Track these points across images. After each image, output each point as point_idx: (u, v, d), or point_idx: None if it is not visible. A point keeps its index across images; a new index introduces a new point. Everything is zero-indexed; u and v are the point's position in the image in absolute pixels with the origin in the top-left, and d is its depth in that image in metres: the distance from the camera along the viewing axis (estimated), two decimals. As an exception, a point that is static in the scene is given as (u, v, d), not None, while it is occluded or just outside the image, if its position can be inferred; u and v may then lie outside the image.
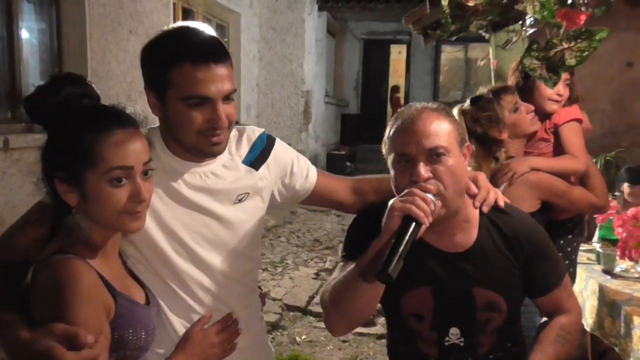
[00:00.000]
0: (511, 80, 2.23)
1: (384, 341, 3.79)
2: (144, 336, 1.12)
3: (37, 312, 1.01)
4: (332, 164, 10.76)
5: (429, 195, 1.17)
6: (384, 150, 1.30)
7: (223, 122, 1.19)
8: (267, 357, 1.49)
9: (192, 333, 1.26)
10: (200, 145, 1.21)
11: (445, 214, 1.23)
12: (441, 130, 1.23)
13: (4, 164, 3.02)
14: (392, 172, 1.28)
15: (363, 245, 1.22)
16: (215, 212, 1.28)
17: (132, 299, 1.15)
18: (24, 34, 3.57)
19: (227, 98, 1.19)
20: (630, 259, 2.24)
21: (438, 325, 1.33)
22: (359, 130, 12.48)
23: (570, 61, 1.66)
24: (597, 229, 2.74)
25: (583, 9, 1.71)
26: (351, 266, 1.23)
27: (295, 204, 1.47)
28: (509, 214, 1.35)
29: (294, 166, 1.41)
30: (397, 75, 13.83)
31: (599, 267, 2.49)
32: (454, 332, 1.32)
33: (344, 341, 3.78)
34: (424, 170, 1.20)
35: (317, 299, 4.45)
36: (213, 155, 1.26)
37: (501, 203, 1.36)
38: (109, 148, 1.04)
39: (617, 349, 2.23)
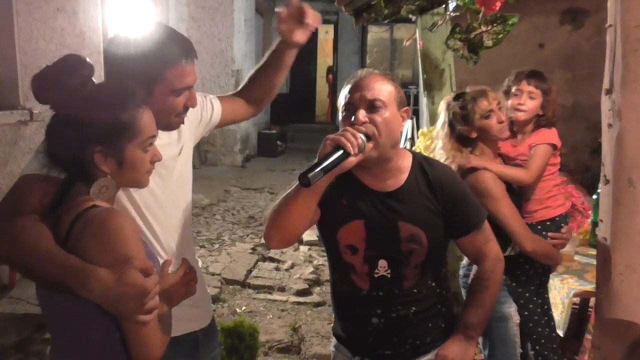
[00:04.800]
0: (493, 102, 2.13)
1: (320, 308, 4.00)
2: (158, 267, 1.29)
3: (96, 257, 1.12)
4: (263, 143, 10.76)
5: (360, 135, 1.40)
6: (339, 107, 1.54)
7: (196, 103, 1.45)
8: (205, 298, 1.69)
9: (164, 282, 1.36)
10: (172, 123, 1.45)
11: (376, 157, 1.45)
12: (383, 88, 1.47)
13: None
14: (340, 120, 1.52)
15: None
16: (164, 163, 1.45)
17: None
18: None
19: None
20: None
21: (369, 258, 1.53)
22: (289, 109, 12.57)
23: (488, 42, 1.89)
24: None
25: (499, -4, 1.93)
26: None
27: (211, 130, 1.73)
28: (436, 167, 1.59)
29: (202, 105, 1.66)
30: (325, 55, 13.98)
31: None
32: (382, 264, 1.53)
33: (282, 310, 3.95)
34: (362, 115, 1.44)
35: (254, 273, 4.59)
36: (176, 129, 1.49)
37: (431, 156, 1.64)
38: (144, 122, 1.24)
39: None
